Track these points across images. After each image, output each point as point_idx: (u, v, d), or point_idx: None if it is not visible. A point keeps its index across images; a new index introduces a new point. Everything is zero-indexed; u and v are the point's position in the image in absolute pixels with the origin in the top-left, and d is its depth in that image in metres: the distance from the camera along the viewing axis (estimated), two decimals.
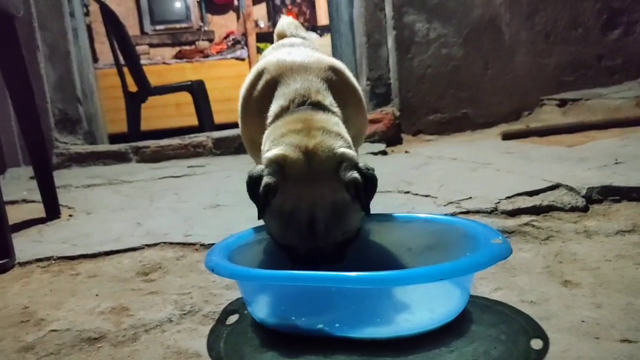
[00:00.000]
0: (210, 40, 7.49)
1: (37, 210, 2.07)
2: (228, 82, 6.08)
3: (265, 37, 7.09)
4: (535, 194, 1.62)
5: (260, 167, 1.01)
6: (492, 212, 1.54)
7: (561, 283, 1.08)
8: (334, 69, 1.24)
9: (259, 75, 1.25)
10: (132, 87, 4.39)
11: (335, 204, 0.98)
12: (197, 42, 7.41)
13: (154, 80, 4.61)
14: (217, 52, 7.09)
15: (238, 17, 7.70)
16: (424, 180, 2.01)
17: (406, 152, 2.93)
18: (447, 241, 1.08)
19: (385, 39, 3.44)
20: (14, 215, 2.03)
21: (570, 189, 1.63)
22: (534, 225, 1.43)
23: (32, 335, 1.02)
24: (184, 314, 1.07)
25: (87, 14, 6.02)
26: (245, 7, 7.43)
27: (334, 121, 1.10)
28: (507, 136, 2.93)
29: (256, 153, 1.23)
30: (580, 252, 1.23)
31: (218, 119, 4.87)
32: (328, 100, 1.16)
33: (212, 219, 1.77)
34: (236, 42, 7.28)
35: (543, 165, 2.04)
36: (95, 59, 6.21)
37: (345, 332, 0.88)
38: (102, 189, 2.52)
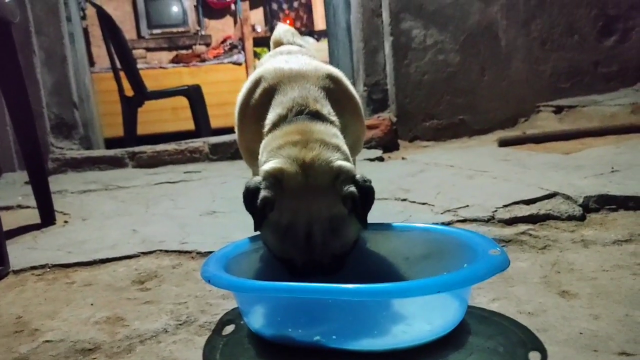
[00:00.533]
0: (207, 45, 7.49)
1: (32, 216, 2.06)
2: (225, 87, 6.07)
3: (262, 42, 7.09)
4: (532, 202, 1.62)
5: (258, 179, 1.01)
6: (489, 220, 1.54)
7: (559, 293, 1.08)
8: (331, 77, 1.24)
9: (257, 83, 1.25)
10: (129, 92, 4.38)
11: (332, 218, 0.98)
12: (194, 47, 7.40)
13: (150, 84, 4.60)
14: (214, 57, 7.08)
15: (235, 22, 7.70)
16: (421, 188, 2.01)
17: (403, 158, 2.93)
18: (444, 251, 1.07)
19: (382, 45, 3.45)
20: (9, 221, 2.01)
21: (567, 197, 1.63)
22: (531, 234, 1.43)
23: (26, 346, 1.01)
24: (180, 324, 1.06)
25: (83, 18, 6.01)
26: (242, 11, 7.44)
27: (332, 132, 1.09)
28: (503, 143, 2.93)
29: (252, 161, 1.23)
30: (577, 262, 1.23)
31: (215, 123, 4.86)
32: (326, 109, 1.16)
33: (209, 226, 1.76)
34: (233, 47, 7.27)
35: (539, 173, 2.04)
36: (91, 63, 6.19)
37: (342, 344, 0.87)
38: (98, 195, 2.51)
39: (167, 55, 7.32)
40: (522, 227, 1.48)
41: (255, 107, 1.23)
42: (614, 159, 2.14)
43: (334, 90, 1.22)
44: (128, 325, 1.07)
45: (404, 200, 1.85)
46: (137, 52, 6.87)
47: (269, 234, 1.01)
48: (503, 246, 1.35)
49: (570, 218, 1.52)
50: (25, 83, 1.95)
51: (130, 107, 4.36)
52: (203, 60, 6.98)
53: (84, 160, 3.25)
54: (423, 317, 0.91)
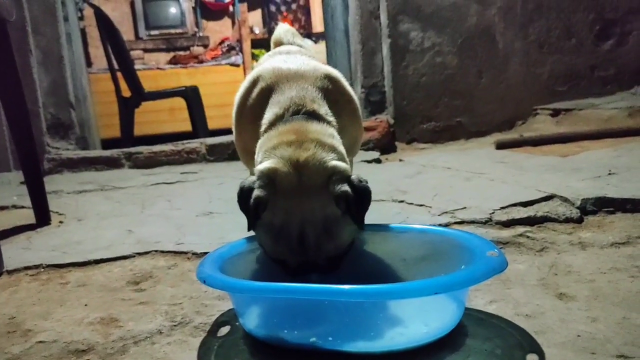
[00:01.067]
0: (205, 46, 7.48)
1: (27, 216, 2.04)
2: (222, 88, 6.07)
3: (260, 44, 7.10)
4: (530, 204, 1.62)
5: (252, 178, 1.00)
6: (487, 222, 1.53)
7: (556, 296, 1.07)
8: (330, 78, 1.23)
9: (254, 83, 1.24)
10: (126, 92, 4.37)
11: (325, 219, 0.96)
12: (191, 48, 7.39)
13: (148, 85, 4.59)
14: (212, 58, 7.08)
15: (233, 23, 7.70)
16: (418, 189, 2.01)
17: (400, 160, 2.92)
18: (442, 252, 1.06)
19: (380, 47, 3.45)
20: (3, 221, 2.00)
21: (565, 199, 1.63)
22: (528, 236, 1.42)
23: (19, 346, 1.00)
24: (175, 326, 1.05)
25: (81, 18, 6.01)
26: (240, 13, 7.44)
27: (329, 132, 1.08)
28: (500, 145, 2.93)
29: (249, 161, 1.22)
30: (575, 264, 1.23)
31: (212, 124, 4.85)
32: (323, 109, 1.15)
33: (205, 227, 1.75)
34: (231, 48, 7.27)
35: (537, 176, 2.04)
36: (89, 64, 6.18)
37: (339, 346, 0.86)
38: (94, 195, 2.50)
39: (164, 57, 7.31)
40: (520, 229, 1.47)
41: (253, 106, 1.22)
42: (611, 161, 2.14)
43: (332, 91, 1.21)
44: (122, 326, 1.06)
45: (401, 201, 1.85)
46: (134, 53, 6.86)
47: (262, 234, 1.00)
48: (500, 248, 1.34)
49: (568, 220, 1.51)
50: (21, 82, 1.94)
51: (127, 107, 4.35)
52: (201, 62, 6.98)
53: (80, 160, 3.24)
54: (420, 319, 0.90)
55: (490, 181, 2.04)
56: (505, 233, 1.46)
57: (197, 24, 7.60)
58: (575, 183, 1.82)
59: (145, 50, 7.32)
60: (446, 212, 1.64)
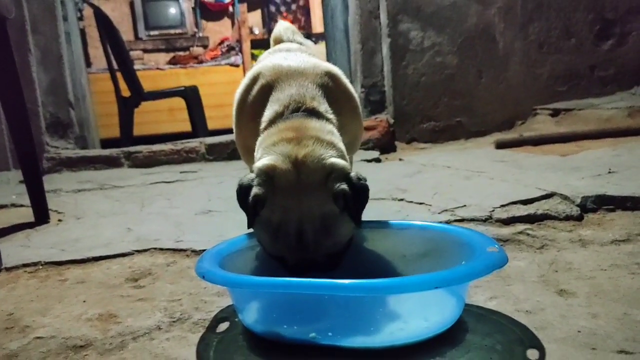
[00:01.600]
0: (205, 47, 7.48)
1: (26, 214, 2.04)
2: (222, 88, 6.06)
3: (260, 44, 7.09)
4: (530, 202, 1.61)
5: (251, 176, 0.99)
6: (487, 220, 1.53)
7: (557, 292, 1.07)
8: (330, 75, 1.22)
9: (254, 80, 1.24)
10: (125, 92, 4.36)
11: (323, 216, 0.96)
12: (191, 48, 7.39)
13: (147, 85, 4.58)
14: (212, 58, 7.08)
15: (233, 24, 7.70)
16: (418, 188, 2.00)
17: (400, 159, 2.92)
18: (442, 249, 1.06)
19: (380, 47, 3.44)
20: (2, 219, 2.00)
21: (565, 197, 1.62)
22: (528, 234, 1.42)
23: (16, 342, 1.00)
24: (174, 322, 1.05)
25: (80, 18, 6.00)
26: (240, 13, 7.44)
27: (328, 129, 1.08)
28: (500, 145, 2.93)
29: (250, 158, 1.22)
30: (575, 261, 1.22)
31: (211, 125, 4.85)
32: (323, 106, 1.15)
33: (204, 225, 1.74)
34: (230, 49, 7.27)
35: (537, 174, 2.04)
36: (88, 64, 6.17)
37: (338, 341, 0.86)
38: (93, 194, 2.49)
39: (164, 57, 7.31)
40: (520, 227, 1.47)
41: (253, 103, 1.22)
42: (611, 160, 2.14)
43: (332, 88, 1.21)
44: (121, 322, 1.06)
45: (401, 200, 1.84)
46: (134, 54, 6.86)
47: (261, 231, 1.00)
48: (501, 245, 1.34)
49: (568, 218, 1.51)
50: (20, 81, 1.94)
51: (126, 107, 4.35)
52: (200, 62, 6.98)
53: (79, 159, 3.24)
54: (420, 314, 0.90)
55: (490, 180, 2.04)
56: (506, 231, 1.45)
57: (196, 25, 7.59)
58: (575, 181, 1.82)
59: (145, 51, 7.31)
60: (446, 210, 1.63)
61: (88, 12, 6.23)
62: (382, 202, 1.82)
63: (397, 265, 1.10)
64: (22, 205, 2.25)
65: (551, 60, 3.50)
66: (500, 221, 1.51)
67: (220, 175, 2.73)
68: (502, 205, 1.61)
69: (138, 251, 1.49)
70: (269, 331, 0.92)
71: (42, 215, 1.98)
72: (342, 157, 1.04)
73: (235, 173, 2.67)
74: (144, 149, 3.29)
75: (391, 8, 3.33)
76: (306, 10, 7.70)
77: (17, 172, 2.93)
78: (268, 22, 7.65)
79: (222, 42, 7.45)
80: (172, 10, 7.40)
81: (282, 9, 7.77)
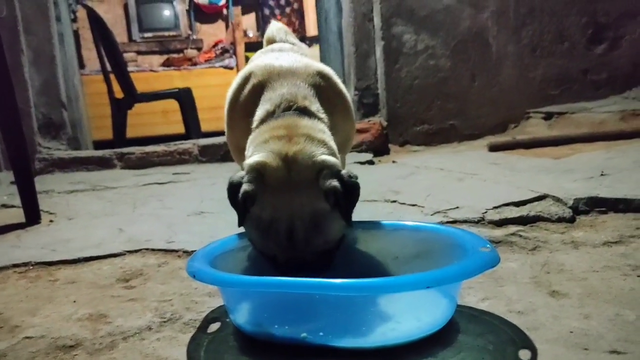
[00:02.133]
0: (199, 49, 7.47)
1: (17, 215, 2.02)
2: (215, 91, 6.00)
3: (254, 47, 7.07)
4: (522, 204, 1.62)
5: (241, 173, 0.99)
6: (479, 221, 1.53)
7: (549, 293, 1.07)
8: (322, 75, 1.22)
9: (246, 79, 1.24)
10: (119, 94, 4.34)
11: (314, 214, 0.95)
12: (185, 50, 7.38)
13: (141, 87, 4.57)
14: (205, 61, 7.07)
15: (227, 26, 7.70)
16: (411, 190, 2.00)
17: (393, 162, 2.92)
18: (434, 249, 1.06)
19: (373, 50, 3.45)
20: None
21: (557, 199, 1.63)
22: (521, 236, 1.42)
23: (5, 342, 0.99)
24: (164, 322, 1.04)
25: (74, 20, 5.98)
26: (234, 16, 7.44)
27: (319, 128, 1.08)
28: (493, 147, 2.93)
29: (241, 158, 1.21)
30: (567, 263, 1.22)
31: (205, 127, 4.83)
32: (315, 106, 1.15)
33: (196, 226, 1.74)
34: (224, 51, 7.26)
35: (529, 176, 2.04)
36: (82, 65, 6.15)
37: (330, 341, 0.85)
38: (85, 195, 2.48)
39: (158, 59, 7.30)
40: (512, 229, 1.47)
41: (245, 103, 1.22)
42: (603, 163, 2.15)
43: (324, 88, 1.20)
44: (111, 322, 1.05)
45: (394, 201, 1.84)
46: (128, 56, 6.84)
47: (251, 229, 0.99)
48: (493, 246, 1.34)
49: (560, 220, 1.51)
50: (12, 81, 1.92)
51: (119, 109, 4.33)
52: (194, 64, 6.97)
53: (71, 160, 3.21)
54: (412, 314, 0.90)
55: (483, 182, 2.04)
56: (498, 232, 1.45)
57: (190, 27, 7.59)
58: (567, 184, 1.83)
59: (139, 53, 7.30)
60: (439, 212, 1.64)
61: (82, 13, 6.21)
62: (374, 204, 1.82)
63: (390, 266, 1.10)
64: (13, 206, 2.23)
65: (544, 64, 3.51)
66: (493, 223, 1.51)
67: (213, 177, 2.72)
68: (495, 207, 1.61)
69: (129, 252, 1.48)
70: (260, 331, 0.91)
71: (33, 216, 1.96)
72: (333, 155, 1.03)
73: (227, 174, 2.63)
74: (136, 150, 3.27)
75: (385, 11, 3.33)
76: (300, 13, 7.71)
77: (9, 173, 2.91)
78: (262, 25, 7.65)
79: (216, 45, 7.45)
80: (166, 13, 7.40)
81: (277, 12, 7.78)
